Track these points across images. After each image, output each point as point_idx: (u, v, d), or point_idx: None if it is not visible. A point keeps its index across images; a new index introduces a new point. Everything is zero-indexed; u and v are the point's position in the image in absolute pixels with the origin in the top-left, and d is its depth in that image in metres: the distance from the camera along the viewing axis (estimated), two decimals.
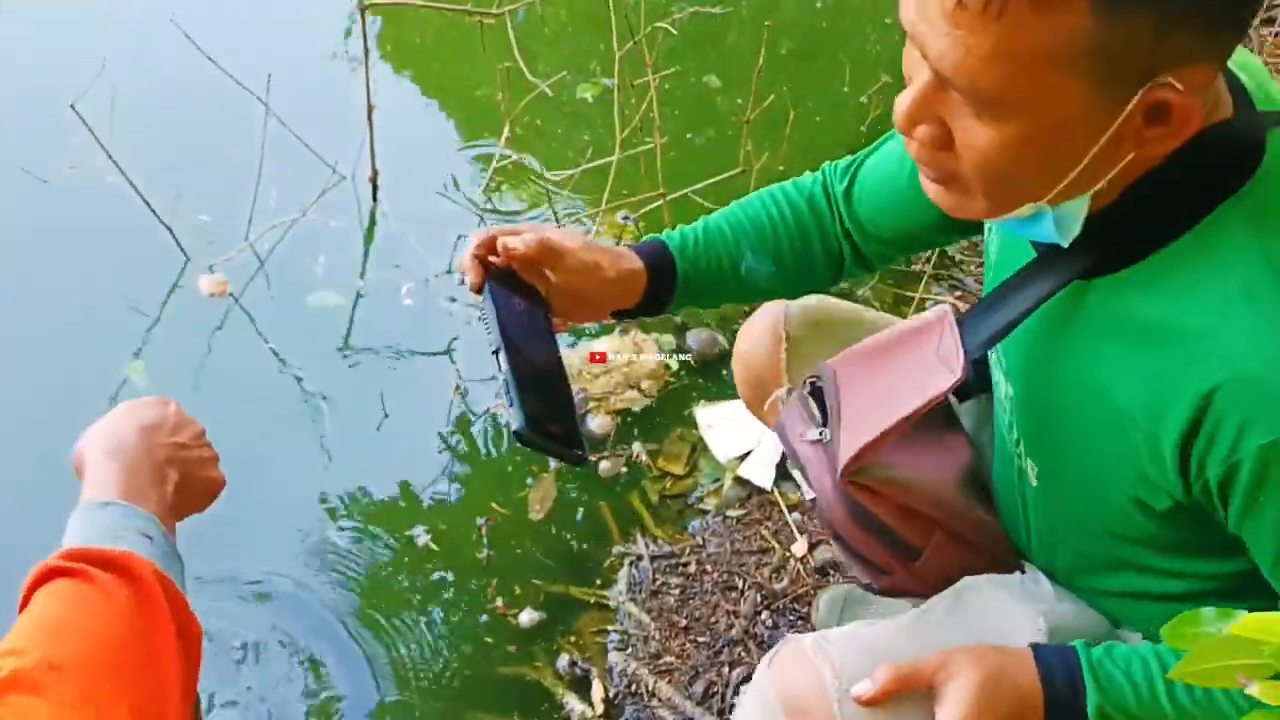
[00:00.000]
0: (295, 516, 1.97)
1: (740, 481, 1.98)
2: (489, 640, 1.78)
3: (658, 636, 1.75)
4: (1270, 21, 2.73)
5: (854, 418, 1.08)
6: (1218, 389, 0.83)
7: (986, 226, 1.13)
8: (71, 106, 2.21)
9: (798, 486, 1.96)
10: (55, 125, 2.35)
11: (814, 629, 1.72)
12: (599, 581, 1.87)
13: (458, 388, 2.19)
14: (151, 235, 2.33)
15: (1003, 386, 1.08)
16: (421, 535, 1.94)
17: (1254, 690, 0.56)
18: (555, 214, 2.54)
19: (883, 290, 2.28)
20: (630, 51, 2.37)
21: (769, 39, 2.32)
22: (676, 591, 1.82)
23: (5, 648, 0.82)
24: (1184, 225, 0.87)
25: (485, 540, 1.92)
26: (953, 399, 1.22)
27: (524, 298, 1.10)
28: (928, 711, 0.99)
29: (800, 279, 1.26)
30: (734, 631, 1.74)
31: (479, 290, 1.08)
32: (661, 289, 1.19)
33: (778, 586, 1.80)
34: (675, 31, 2.54)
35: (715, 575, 1.83)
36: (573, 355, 2.19)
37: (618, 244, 1.24)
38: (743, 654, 1.71)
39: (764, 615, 1.76)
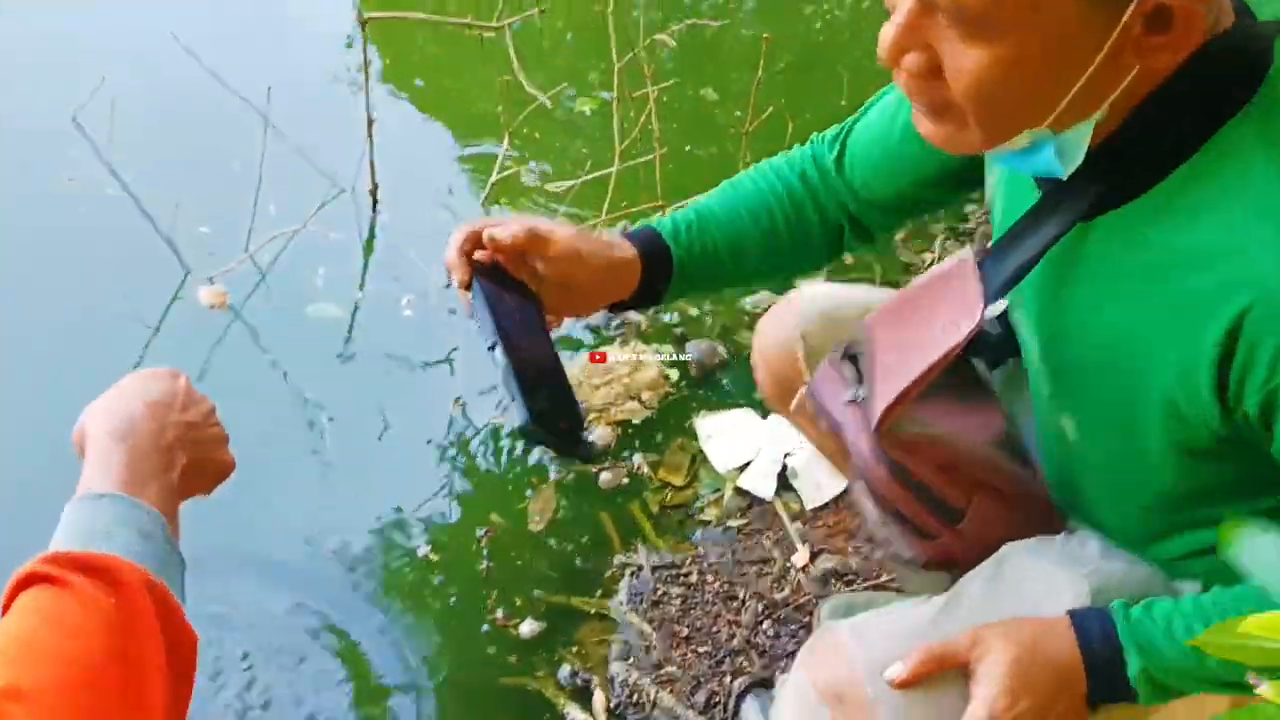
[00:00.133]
0: (294, 528, 1.96)
1: (740, 492, 1.98)
2: (490, 651, 1.78)
3: (659, 646, 1.75)
4: None
5: (886, 372, 1.04)
6: (1247, 311, 0.79)
7: (988, 174, 1.08)
8: (73, 119, 2.21)
9: (798, 497, 1.96)
10: (56, 136, 2.36)
11: None
12: (600, 592, 1.87)
13: (457, 399, 2.19)
14: (151, 246, 2.34)
15: (1029, 342, 1.04)
16: (422, 546, 1.94)
17: (1263, 690, 0.56)
18: None
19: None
20: (627, 65, 2.38)
21: (767, 51, 2.33)
22: (678, 601, 1.82)
23: None
24: (1191, 146, 0.82)
25: (485, 551, 1.92)
26: (983, 367, 1.18)
27: (514, 293, 1.05)
28: (965, 690, 0.96)
29: (798, 257, 1.22)
30: (735, 641, 1.74)
31: (467, 286, 1.04)
32: (657, 277, 1.14)
33: (779, 596, 1.80)
34: (674, 44, 2.56)
35: (716, 585, 1.83)
36: (573, 366, 2.19)
37: None
38: (745, 663, 1.71)
39: (765, 625, 1.76)
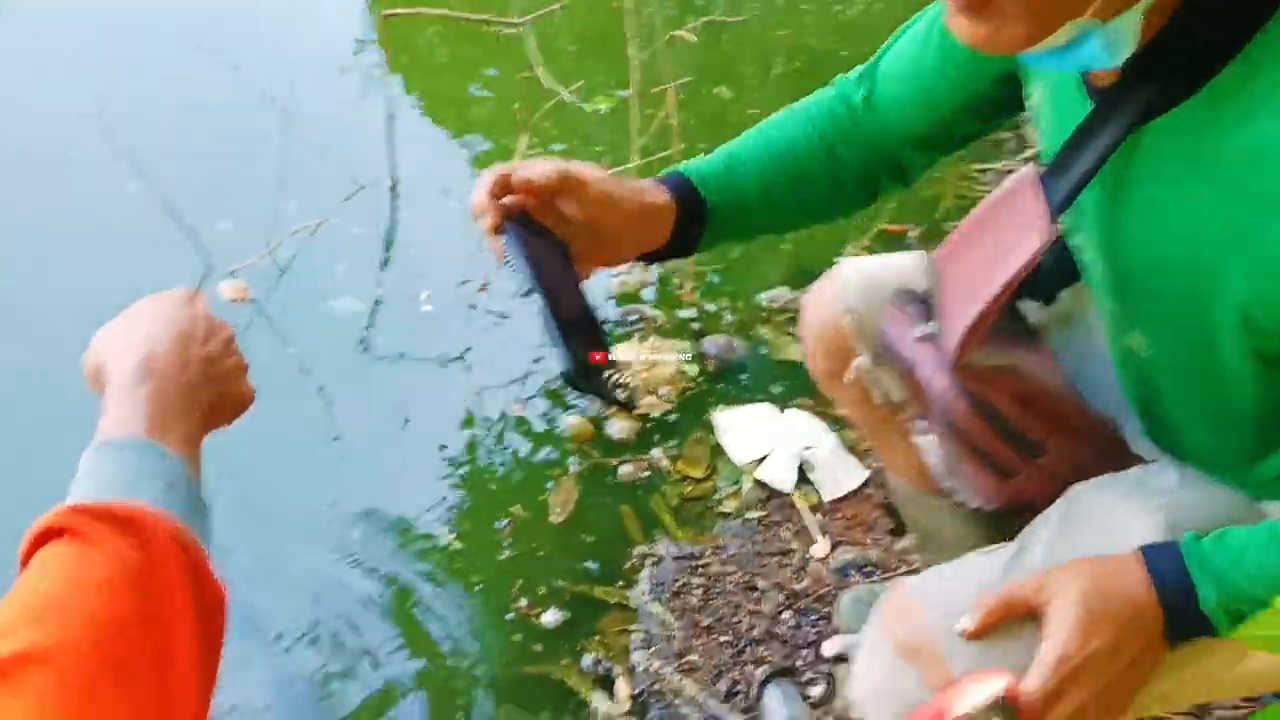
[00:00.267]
0: (316, 520, 1.98)
1: (759, 485, 2.00)
2: (515, 639, 1.80)
3: (681, 636, 1.77)
4: None
5: (960, 300, 1.01)
6: None
7: (1026, 97, 1.04)
8: (96, 114, 2.24)
9: (816, 490, 1.98)
10: (79, 132, 2.37)
11: (836, 630, 1.75)
12: (621, 582, 1.89)
13: (477, 392, 2.21)
14: (173, 242, 2.36)
15: (1091, 264, 1.00)
16: (445, 537, 1.96)
17: None
18: None
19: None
20: (642, 63, 2.40)
21: (784, 50, 2.35)
22: (699, 591, 1.84)
23: None
24: (1242, 39, 0.78)
25: (507, 542, 1.94)
26: (1033, 309, 1.15)
27: (544, 239, 1.01)
28: (1038, 635, 0.93)
29: (832, 202, 1.18)
30: (756, 631, 1.76)
31: (497, 230, 0.99)
32: (690, 224, 1.09)
33: (799, 587, 1.82)
34: (695, 39, 2.57)
35: (737, 576, 1.85)
36: None
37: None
38: (766, 653, 1.73)
39: (786, 615, 1.78)
